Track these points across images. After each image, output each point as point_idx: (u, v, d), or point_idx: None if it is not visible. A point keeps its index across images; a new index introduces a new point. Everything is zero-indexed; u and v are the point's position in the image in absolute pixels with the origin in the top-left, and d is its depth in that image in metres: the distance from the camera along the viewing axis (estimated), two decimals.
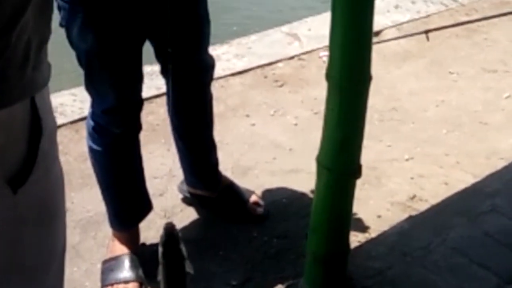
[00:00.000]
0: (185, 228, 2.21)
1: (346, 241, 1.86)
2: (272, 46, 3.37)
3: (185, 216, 2.29)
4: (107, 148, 1.97)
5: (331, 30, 1.57)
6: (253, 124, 2.80)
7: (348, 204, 1.80)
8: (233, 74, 3.12)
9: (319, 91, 2.28)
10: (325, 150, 1.71)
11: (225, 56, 3.23)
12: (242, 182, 2.37)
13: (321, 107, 1.70)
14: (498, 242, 2.05)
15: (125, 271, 2.02)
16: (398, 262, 1.99)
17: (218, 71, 2.41)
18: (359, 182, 1.80)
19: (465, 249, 2.02)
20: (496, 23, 3.65)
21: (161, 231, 1.24)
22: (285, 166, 2.54)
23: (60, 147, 2.52)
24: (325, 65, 1.68)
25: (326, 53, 2.80)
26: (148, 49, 1.93)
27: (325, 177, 1.73)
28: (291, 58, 3.28)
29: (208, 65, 2.03)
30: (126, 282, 2.00)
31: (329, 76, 1.63)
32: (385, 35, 3.48)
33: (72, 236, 2.17)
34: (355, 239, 2.13)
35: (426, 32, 3.49)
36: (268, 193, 2.40)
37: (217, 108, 2.41)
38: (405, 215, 2.25)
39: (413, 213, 2.27)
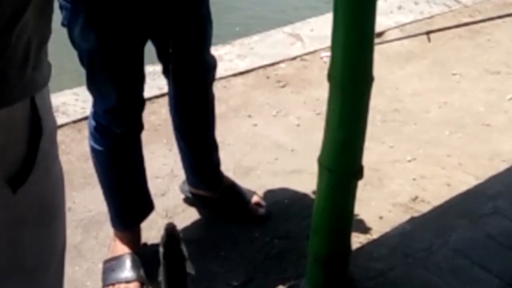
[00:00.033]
0: (186, 228, 2.21)
1: (348, 242, 1.86)
2: (274, 46, 3.36)
3: (187, 216, 2.29)
4: (109, 148, 1.97)
5: (333, 30, 1.57)
6: (255, 125, 2.80)
7: (350, 205, 1.80)
8: (235, 75, 3.12)
9: (322, 91, 2.28)
10: (326, 151, 1.71)
11: (227, 56, 3.23)
12: (244, 182, 2.37)
13: (324, 108, 1.70)
14: (500, 244, 2.05)
15: (127, 271, 2.01)
16: (399, 264, 1.99)
17: (220, 72, 2.41)
18: (361, 183, 1.80)
19: (467, 251, 2.02)
20: (499, 24, 3.64)
21: (162, 231, 1.24)
22: (287, 167, 2.54)
23: (62, 147, 2.55)
24: (327, 66, 1.67)
25: (327, 53, 2.79)
26: (150, 49, 1.93)
27: (326, 178, 1.73)
28: (294, 58, 3.27)
29: (210, 65, 2.03)
30: (127, 282, 2.00)
31: (331, 77, 1.63)
32: (388, 36, 3.47)
33: (74, 235, 2.17)
34: (357, 240, 2.13)
35: (428, 33, 3.49)
36: (270, 194, 2.40)
37: (219, 108, 2.40)
38: (407, 217, 2.25)
39: (415, 214, 2.26)
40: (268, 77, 3.13)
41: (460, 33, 3.55)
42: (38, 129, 0.91)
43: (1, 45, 0.81)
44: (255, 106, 2.92)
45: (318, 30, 3.44)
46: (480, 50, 3.41)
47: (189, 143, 2.19)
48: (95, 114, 1.93)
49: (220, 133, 2.33)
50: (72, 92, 2.88)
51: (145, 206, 2.12)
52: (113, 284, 2.00)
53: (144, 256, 2.07)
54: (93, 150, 1.99)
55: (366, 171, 1.75)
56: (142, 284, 2.00)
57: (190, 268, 1.25)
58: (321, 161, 1.73)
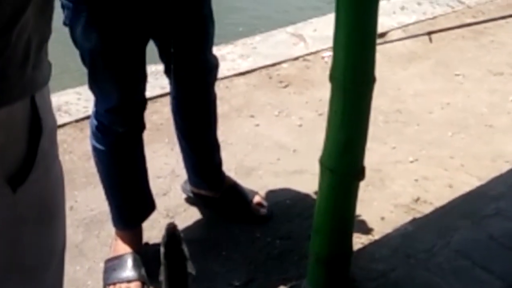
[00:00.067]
0: (188, 228, 2.21)
1: (349, 243, 1.86)
2: (277, 46, 3.36)
3: (188, 216, 2.29)
4: (111, 147, 1.97)
5: (335, 31, 1.57)
6: (257, 125, 2.80)
7: (352, 205, 1.80)
8: (237, 75, 3.11)
9: (324, 92, 2.27)
10: (328, 151, 1.71)
11: (230, 56, 3.23)
12: (245, 182, 2.36)
13: (326, 108, 1.70)
14: (502, 245, 2.04)
15: (128, 270, 2.01)
16: (401, 265, 1.98)
17: (222, 71, 2.41)
18: (362, 184, 1.80)
19: (469, 252, 2.01)
20: (503, 25, 3.64)
21: (164, 231, 1.24)
22: (289, 167, 2.54)
23: (65, 146, 2.55)
24: (329, 66, 1.67)
25: (329, 53, 2.78)
26: (153, 48, 1.93)
27: (328, 179, 1.73)
28: (296, 59, 3.27)
29: (212, 65, 2.03)
30: (128, 281, 2.00)
31: (332, 78, 1.63)
32: (390, 37, 3.47)
33: (75, 234, 2.17)
34: (359, 241, 2.13)
35: (429, 33, 3.48)
36: (271, 194, 2.40)
37: (221, 108, 2.40)
38: (409, 218, 2.25)
39: (417, 215, 2.26)
40: (270, 77, 3.12)
41: (463, 34, 3.54)
42: (38, 128, 0.91)
43: (1, 44, 0.81)
44: (257, 106, 2.92)
45: (321, 31, 3.44)
46: (484, 51, 3.40)
47: (191, 143, 2.18)
48: (97, 114, 1.93)
49: (222, 133, 2.33)
50: (74, 91, 2.89)
51: (147, 205, 2.12)
52: (114, 284, 2.00)
53: (145, 256, 2.07)
54: (95, 149, 1.99)
55: (368, 172, 1.75)
56: (143, 283, 2.00)
57: (191, 268, 1.25)
58: (323, 162, 1.72)
